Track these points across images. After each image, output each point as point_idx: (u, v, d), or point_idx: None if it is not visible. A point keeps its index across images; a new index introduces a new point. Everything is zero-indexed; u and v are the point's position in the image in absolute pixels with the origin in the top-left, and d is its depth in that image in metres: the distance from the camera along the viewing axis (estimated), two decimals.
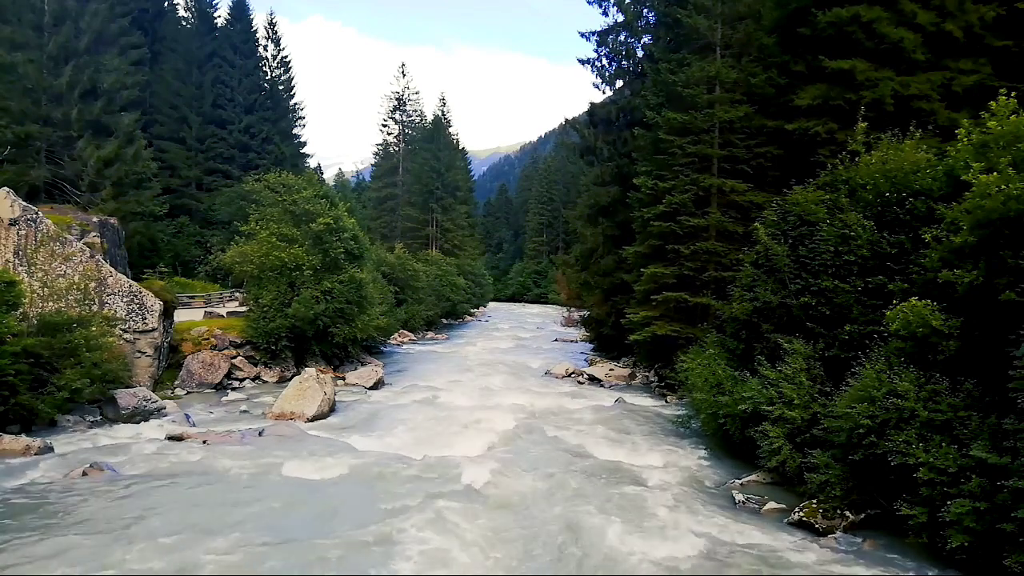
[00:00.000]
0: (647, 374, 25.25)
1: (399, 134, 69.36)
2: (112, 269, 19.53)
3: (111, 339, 17.39)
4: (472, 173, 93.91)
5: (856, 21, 16.81)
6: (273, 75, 50.32)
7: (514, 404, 19.70)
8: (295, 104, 52.52)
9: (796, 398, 11.66)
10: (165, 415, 16.61)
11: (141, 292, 19.34)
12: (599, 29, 29.76)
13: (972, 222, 9.44)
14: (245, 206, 28.11)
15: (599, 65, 30.21)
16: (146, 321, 19.17)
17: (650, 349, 23.08)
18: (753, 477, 12.53)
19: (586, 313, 35.19)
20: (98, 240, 21.29)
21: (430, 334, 44.19)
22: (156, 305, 19.38)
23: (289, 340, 23.23)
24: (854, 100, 16.52)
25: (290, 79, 51.85)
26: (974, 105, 13.30)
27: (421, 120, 70.16)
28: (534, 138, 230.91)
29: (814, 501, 10.47)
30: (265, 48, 50.06)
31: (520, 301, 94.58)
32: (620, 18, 29.50)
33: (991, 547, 8.00)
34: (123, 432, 15.03)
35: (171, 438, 14.40)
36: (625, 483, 12.36)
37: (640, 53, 29.44)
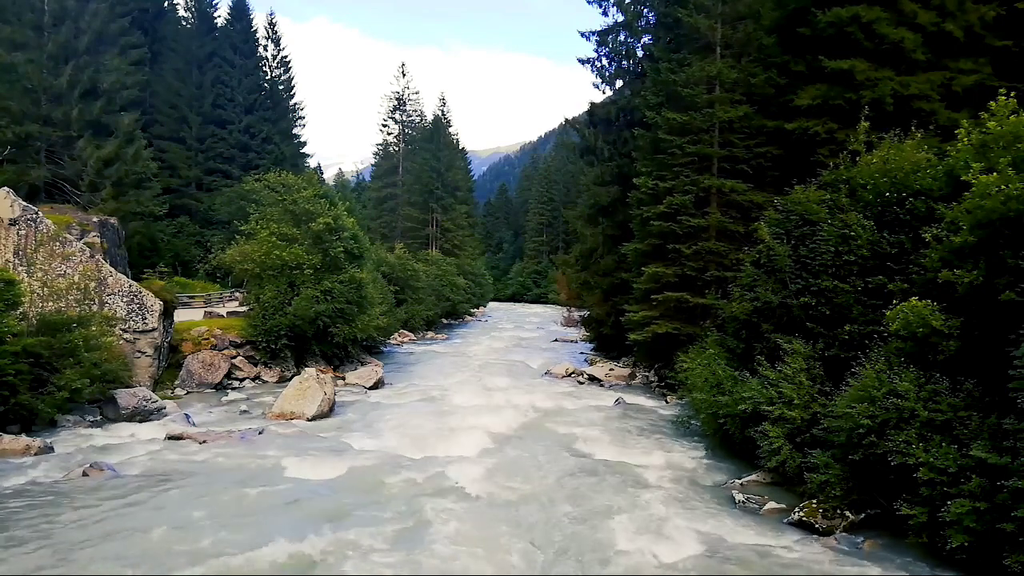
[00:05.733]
0: (647, 374, 25.23)
1: (399, 134, 69.34)
2: (112, 269, 19.54)
3: (111, 339, 17.40)
4: (472, 173, 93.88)
5: (856, 21, 16.80)
6: (273, 75, 50.28)
7: (514, 404, 19.70)
8: (295, 104, 52.47)
9: (796, 398, 11.66)
10: (165, 415, 16.60)
11: (141, 292, 19.34)
12: (599, 29, 29.81)
13: (972, 222, 9.44)
14: (245, 206, 28.10)
15: (599, 65, 30.22)
16: (146, 321, 19.17)
17: (650, 349, 23.07)
18: (753, 477, 12.52)
19: (586, 313, 35.17)
20: (98, 240, 21.30)
21: (430, 334, 44.19)
22: (156, 305, 19.38)
23: (289, 339, 23.23)
24: (854, 100, 16.52)
25: (290, 79, 51.84)
26: (974, 105, 13.30)
27: (421, 120, 70.19)
28: (534, 138, 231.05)
29: (814, 501, 10.46)
30: (265, 48, 50.06)
31: (520, 301, 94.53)
32: (620, 18, 29.51)
33: (991, 547, 8.00)
34: (123, 432, 15.01)
35: (171, 438, 14.40)
36: (625, 483, 12.36)
37: (640, 53, 29.45)
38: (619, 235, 27.08)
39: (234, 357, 22.42)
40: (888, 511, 9.63)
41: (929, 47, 16.94)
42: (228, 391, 20.83)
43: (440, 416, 17.82)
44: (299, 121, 52.75)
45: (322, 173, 68.24)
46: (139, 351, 19.04)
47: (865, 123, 14.33)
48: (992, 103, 10.37)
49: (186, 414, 16.87)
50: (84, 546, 8.72)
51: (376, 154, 72.20)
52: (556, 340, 42.22)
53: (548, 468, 13.16)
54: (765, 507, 11.09)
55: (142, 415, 16.24)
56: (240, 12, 48.22)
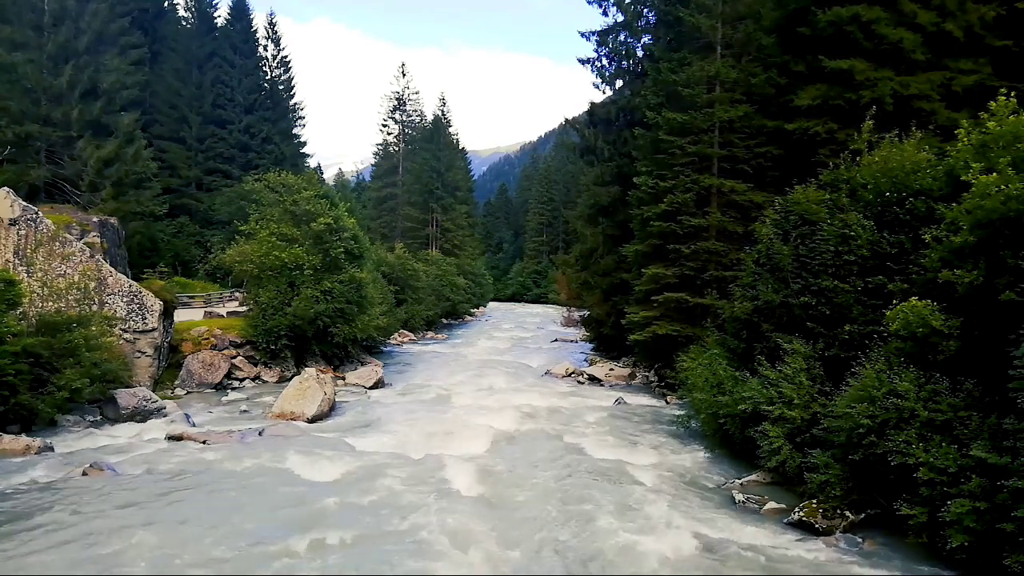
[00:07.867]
0: (647, 374, 25.23)
1: (399, 134, 69.35)
2: (112, 269, 19.54)
3: (111, 339, 17.41)
4: (472, 173, 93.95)
5: (856, 21, 16.81)
6: (273, 75, 50.34)
7: (514, 404, 19.68)
8: (295, 104, 52.55)
9: (796, 398, 11.66)
10: (165, 415, 16.60)
11: (141, 292, 19.34)
12: (599, 29, 29.81)
13: (972, 222, 9.43)
14: (245, 206, 28.12)
15: (599, 65, 30.22)
16: (146, 321, 19.17)
17: (650, 349, 23.07)
18: (753, 477, 12.52)
19: (586, 313, 35.19)
20: (98, 240, 21.29)
21: (430, 334, 44.19)
22: (156, 305, 19.38)
23: (289, 340, 23.23)
24: (854, 100, 16.54)
25: (290, 79, 51.89)
26: (974, 105, 13.29)
27: (421, 120, 70.23)
28: (534, 138, 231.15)
29: (814, 501, 10.46)
30: (265, 48, 50.12)
31: (520, 301, 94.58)
32: (620, 18, 29.51)
33: (991, 547, 7.99)
34: (123, 432, 15.03)
35: (171, 438, 14.40)
36: (624, 483, 12.35)
37: (640, 53, 29.45)
38: (619, 235, 27.10)
39: (234, 357, 22.42)
40: (888, 511, 9.63)
41: (929, 47, 16.94)
42: (228, 391, 20.83)
43: (440, 416, 17.81)
44: (299, 121, 52.87)
45: (322, 173, 68.27)
46: (139, 351, 19.04)
47: (870, 122, 14.32)
48: (992, 103, 10.35)
49: (186, 414, 16.87)
50: (84, 546, 8.70)
51: (376, 154, 72.22)
52: (556, 340, 42.21)
53: (548, 468, 13.15)
54: (765, 507, 11.09)
55: (142, 415, 16.24)
56: (240, 12, 48.25)
